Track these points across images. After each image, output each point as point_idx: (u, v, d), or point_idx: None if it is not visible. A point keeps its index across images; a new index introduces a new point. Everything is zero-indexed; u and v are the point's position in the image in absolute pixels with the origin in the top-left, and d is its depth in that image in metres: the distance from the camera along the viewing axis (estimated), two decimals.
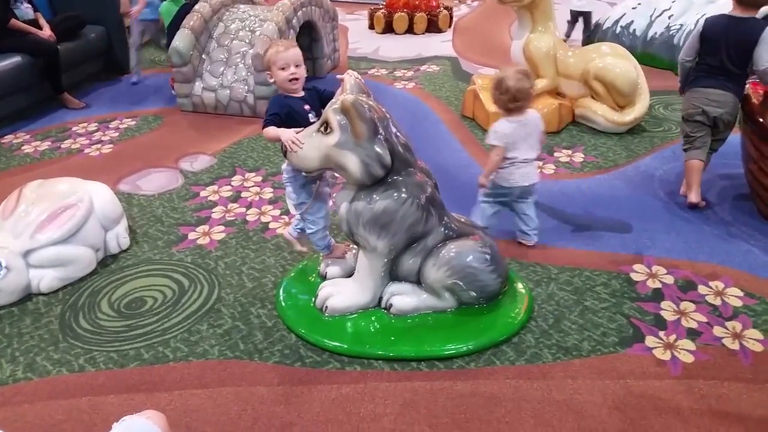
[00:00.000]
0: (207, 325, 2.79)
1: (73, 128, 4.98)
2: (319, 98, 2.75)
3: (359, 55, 6.97)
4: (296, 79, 2.69)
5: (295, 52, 2.69)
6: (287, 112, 2.67)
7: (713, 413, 2.29)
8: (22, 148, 4.68)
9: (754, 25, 3.39)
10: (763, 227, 3.46)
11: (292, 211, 2.91)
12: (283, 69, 2.67)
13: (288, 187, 2.82)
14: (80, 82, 5.79)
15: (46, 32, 5.15)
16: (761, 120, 3.35)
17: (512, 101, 3.02)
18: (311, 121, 2.66)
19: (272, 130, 2.61)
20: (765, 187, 3.43)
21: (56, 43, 5.17)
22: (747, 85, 3.62)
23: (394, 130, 2.54)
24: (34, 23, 5.18)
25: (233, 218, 3.66)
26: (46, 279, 3.00)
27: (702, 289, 2.98)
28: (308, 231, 2.91)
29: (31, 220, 3.00)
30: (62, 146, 4.70)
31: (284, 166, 2.78)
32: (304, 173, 2.67)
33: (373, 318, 2.74)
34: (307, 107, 2.71)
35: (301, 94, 2.75)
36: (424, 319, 2.73)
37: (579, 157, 4.38)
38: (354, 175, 2.49)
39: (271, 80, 2.75)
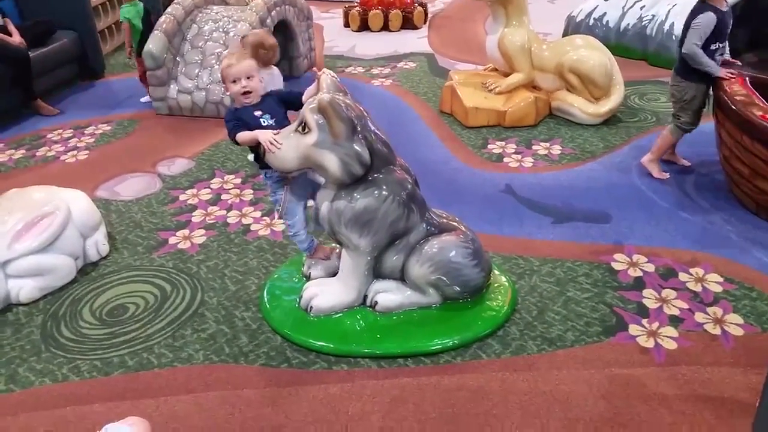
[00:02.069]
0: (191, 330, 2.77)
1: (48, 135, 4.92)
2: (280, 99, 2.72)
3: (335, 53, 6.95)
4: (248, 92, 2.65)
5: (247, 65, 2.63)
6: (243, 123, 2.64)
7: (697, 398, 2.32)
8: None
9: (696, 8, 3.60)
10: (740, 213, 3.51)
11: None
12: (234, 82, 2.63)
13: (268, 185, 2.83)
14: (53, 88, 5.70)
15: (16, 39, 5.07)
16: (734, 107, 3.40)
17: (274, 57, 3.79)
18: (264, 125, 2.63)
19: (246, 134, 2.57)
20: (739, 172, 3.48)
21: (27, 49, 5.09)
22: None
23: (372, 128, 2.54)
24: (3, 30, 5.09)
25: (214, 221, 3.63)
26: (25, 289, 2.96)
27: (683, 276, 3.02)
28: (289, 232, 2.91)
29: (8, 230, 2.95)
30: (37, 154, 4.63)
31: None
32: (283, 173, 2.66)
33: (358, 316, 2.74)
34: (258, 113, 2.65)
35: (255, 101, 2.71)
36: (410, 315, 2.74)
37: (557, 149, 4.41)
38: (334, 174, 2.48)
39: (227, 93, 2.72)
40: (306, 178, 2.79)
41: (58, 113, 5.34)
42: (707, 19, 3.52)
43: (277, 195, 2.80)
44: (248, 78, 2.62)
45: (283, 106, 2.70)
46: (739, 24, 3.84)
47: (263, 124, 2.63)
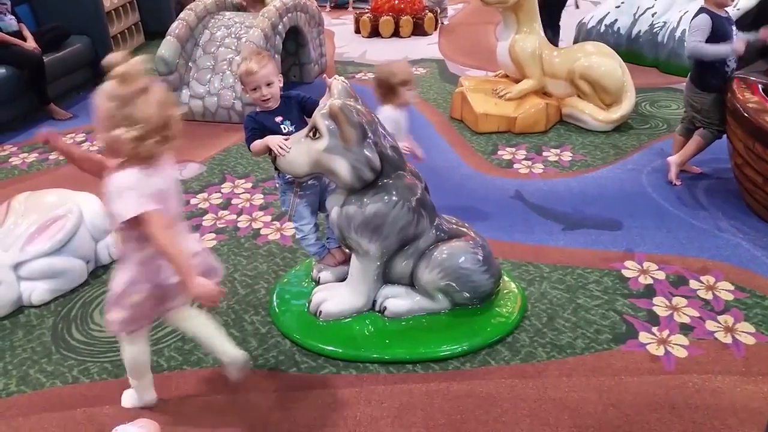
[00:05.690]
0: None
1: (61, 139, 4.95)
2: (300, 105, 2.72)
3: (346, 59, 6.97)
4: (268, 99, 2.66)
5: (265, 73, 2.60)
6: (261, 129, 2.65)
7: (708, 407, 2.31)
8: (10, 160, 4.65)
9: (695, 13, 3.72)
10: (751, 221, 3.49)
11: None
12: (254, 90, 2.65)
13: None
14: (67, 92, 5.75)
15: (31, 44, 5.14)
16: (746, 114, 3.38)
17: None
18: (284, 131, 2.65)
19: (258, 143, 2.60)
20: (751, 180, 3.46)
21: (41, 54, 5.15)
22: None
23: (382, 133, 2.55)
24: (18, 35, 5.16)
25: (224, 225, 3.65)
26: (37, 291, 2.98)
27: (693, 283, 3.00)
28: (297, 236, 2.93)
29: (21, 233, 2.98)
30: (50, 157, 4.67)
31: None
32: (294, 178, 2.68)
33: (367, 321, 2.74)
34: (278, 119, 2.67)
35: (275, 105, 2.72)
36: (419, 321, 2.74)
37: (567, 156, 4.40)
38: (344, 180, 2.49)
39: (247, 95, 2.74)
40: (318, 183, 2.80)
41: (71, 117, 5.39)
42: (700, 20, 3.62)
43: (285, 195, 2.82)
44: (268, 85, 2.63)
45: (302, 112, 2.71)
46: (751, 32, 3.83)
47: (284, 131, 2.65)
